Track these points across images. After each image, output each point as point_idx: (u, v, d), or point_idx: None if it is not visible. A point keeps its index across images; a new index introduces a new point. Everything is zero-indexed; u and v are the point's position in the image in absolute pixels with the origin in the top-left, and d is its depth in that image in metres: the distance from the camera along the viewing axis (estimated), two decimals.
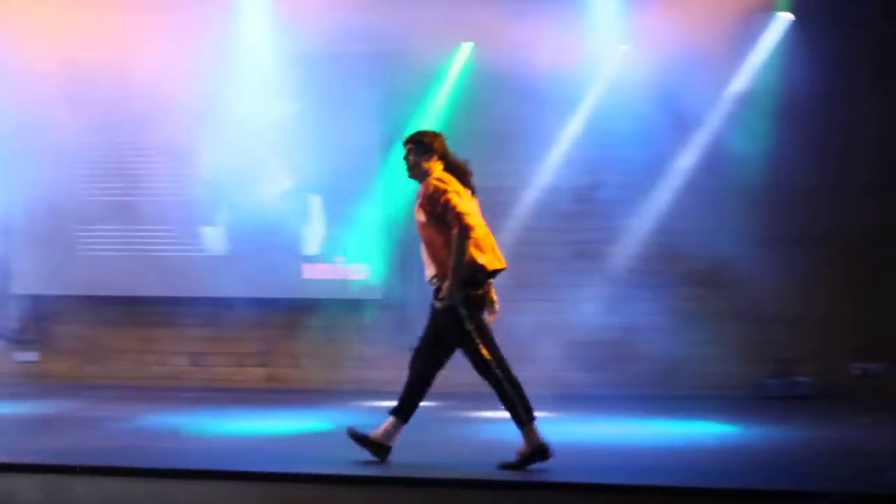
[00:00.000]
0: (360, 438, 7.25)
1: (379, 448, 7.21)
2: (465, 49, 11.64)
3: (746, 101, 11.29)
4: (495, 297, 7.29)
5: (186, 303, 11.86)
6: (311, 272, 11.76)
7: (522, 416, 6.97)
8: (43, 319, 12.27)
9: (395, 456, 7.17)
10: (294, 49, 11.30)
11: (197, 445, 8.21)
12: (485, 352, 6.99)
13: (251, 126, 11.60)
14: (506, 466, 6.95)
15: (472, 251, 6.96)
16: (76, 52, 11.10)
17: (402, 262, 11.53)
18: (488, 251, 7.10)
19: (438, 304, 7.02)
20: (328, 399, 10.86)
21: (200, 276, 11.71)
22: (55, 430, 8.90)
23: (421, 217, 7.14)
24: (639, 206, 11.51)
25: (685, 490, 6.42)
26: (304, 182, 11.66)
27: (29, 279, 12.18)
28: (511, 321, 11.50)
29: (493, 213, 11.39)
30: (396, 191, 11.51)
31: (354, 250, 11.67)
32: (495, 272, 7.14)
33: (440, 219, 7.01)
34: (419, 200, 7.17)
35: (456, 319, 6.98)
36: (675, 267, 11.34)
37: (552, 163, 11.55)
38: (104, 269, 11.87)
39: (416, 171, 7.29)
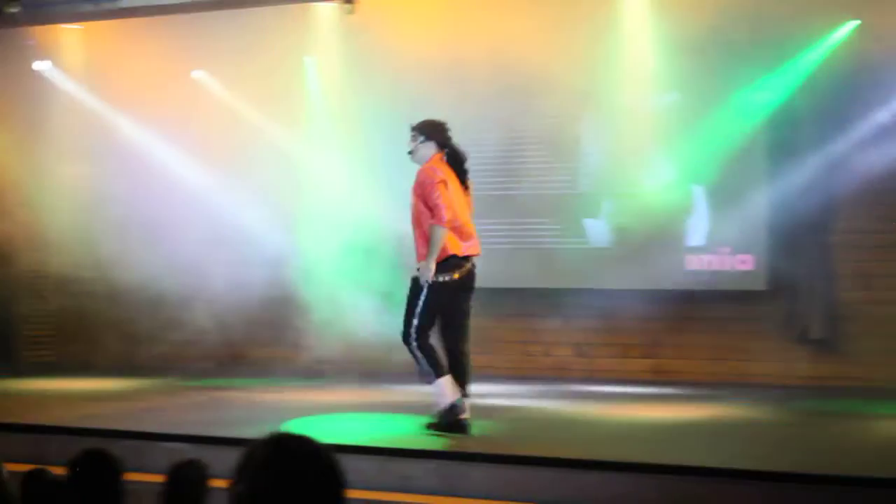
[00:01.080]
0: (443, 426, 7.89)
1: (460, 425, 7.85)
2: (850, 28, 11.09)
3: None
4: None
5: (571, 294, 11.96)
6: (695, 263, 11.60)
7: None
8: None
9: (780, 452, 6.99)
10: (676, 37, 11.13)
11: (583, 435, 8.29)
12: (416, 326, 7.87)
13: (634, 117, 11.57)
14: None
15: (448, 239, 7.80)
16: (459, 49, 11.35)
17: (788, 252, 11.21)
18: (466, 239, 7.93)
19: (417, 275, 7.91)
20: (713, 391, 10.70)
21: (585, 268, 11.78)
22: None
23: (413, 200, 7.93)
24: None
25: None
26: (687, 172, 11.52)
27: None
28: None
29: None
30: (782, 179, 11.18)
31: (739, 240, 11.42)
32: (468, 258, 7.97)
33: (426, 205, 7.82)
34: (414, 184, 7.92)
35: (417, 289, 7.87)
36: None
37: None
38: (491, 261, 12.11)
39: (417, 157, 8.08)
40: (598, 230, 11.95)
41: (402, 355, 12.25)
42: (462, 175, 8.12)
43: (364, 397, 10.33)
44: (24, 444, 7.87)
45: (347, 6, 11.61)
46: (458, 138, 12.04)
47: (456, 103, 11.54)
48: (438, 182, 7.82)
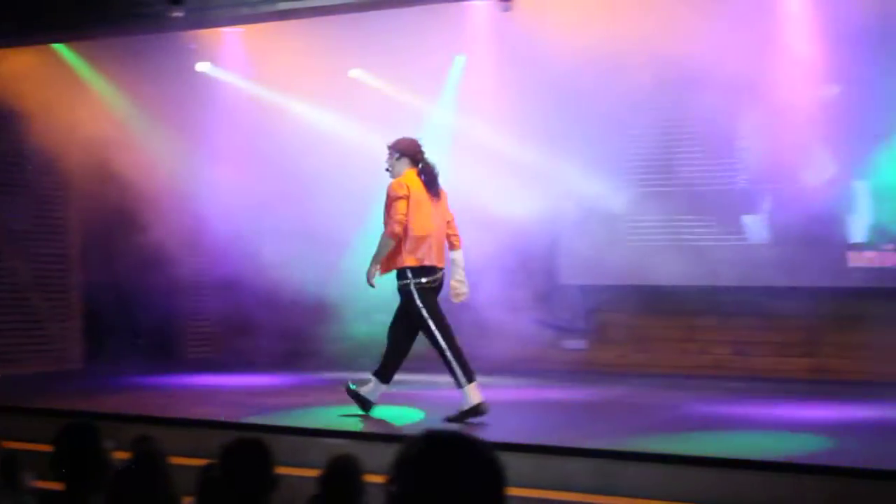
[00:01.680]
0: (352, 392, 8.78)
1: (364, 403, 8.77)
2: None
3: None
4: (458, 285, 8.76)
5: (729, 292, 11.78)
6: (857, 260, 11.31)
7: (462, 379, 8.34)
8: (590, 309, 12.63)
9: None
10: (837, 27, 10.80)
11: (741, 434, 8.17)
12: (434, 327, 8.40)
13: (794, 110, 11.32)
14: (449, 419, 8.31)
15: (403, 252, 8.43)
16: (616, 45, 11.22)
17: None
18: (420, 251, 8.44)
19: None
20: (876, 391, 10.43)
21: (743, 265, 11.59)
22: (606, 416, 9.16)
23: (382, 210, 8.58)
24: None
25: None
26: (850, 168, 11.23)
27: (577, 270, 12.57)
28: None
29: None
30: None
31: None
32: (429, 269, 8.50)
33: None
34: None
35: (411, 303, 8.49)
36: None
37: None
38: (649, 258, 11.99)
39: (394, 173, 8.68)
40: (756, 226, 11.74)
41: (565, 355, 12.39)
42: (434, 188, 8.64)
43: (526, 395, 10.35)
44: (187, 438, 8.07)
45: (504, 4, 11.59)
46: (615, 136, 12.05)
47: (613, 100, 11.48)
48: (399, 198, 8.45)
